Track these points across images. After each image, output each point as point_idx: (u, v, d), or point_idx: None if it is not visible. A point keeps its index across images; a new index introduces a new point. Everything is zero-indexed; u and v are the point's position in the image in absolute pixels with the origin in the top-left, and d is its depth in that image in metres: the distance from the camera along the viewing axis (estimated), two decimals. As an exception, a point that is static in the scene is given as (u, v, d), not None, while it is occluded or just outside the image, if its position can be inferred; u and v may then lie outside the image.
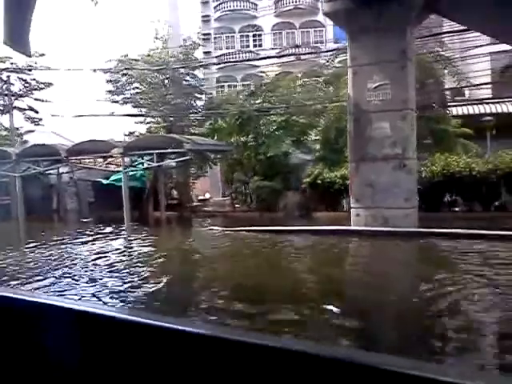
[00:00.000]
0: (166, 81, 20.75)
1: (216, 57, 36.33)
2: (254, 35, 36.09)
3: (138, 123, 22.38)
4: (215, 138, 20.15)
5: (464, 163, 15.48)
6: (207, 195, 24.90)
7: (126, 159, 17.59)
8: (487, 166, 15.30)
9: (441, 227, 13.03)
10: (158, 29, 23.19)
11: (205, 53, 23.96)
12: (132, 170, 18.11)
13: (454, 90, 19.86)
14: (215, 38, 36.33)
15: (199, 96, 22.03)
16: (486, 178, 15.25)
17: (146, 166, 17.61)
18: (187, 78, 21.12)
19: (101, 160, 18.05)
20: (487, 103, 19.93)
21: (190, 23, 26.57)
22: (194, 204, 22.23)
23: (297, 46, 32.73)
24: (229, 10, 36.26)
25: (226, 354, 0.86)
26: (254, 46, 35.80)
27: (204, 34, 24.01)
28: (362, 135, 13.41)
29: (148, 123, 22.21)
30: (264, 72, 24.35)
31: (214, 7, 35.96)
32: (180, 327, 0.92)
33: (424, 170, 15.74)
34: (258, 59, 27.95)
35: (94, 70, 19.85)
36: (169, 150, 16.39)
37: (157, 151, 16.01)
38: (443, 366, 0.71)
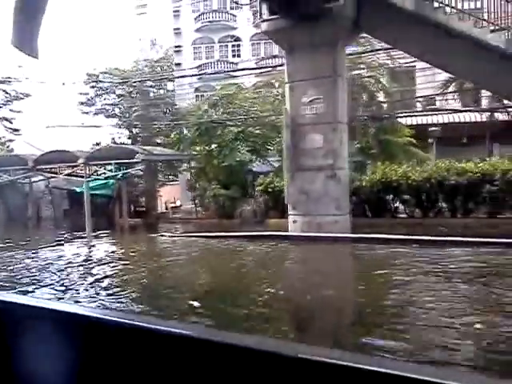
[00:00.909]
0: (134, 93, 21.76)
1: (197, 67, 37.42)
2: (233, 45, 37.13)
3: (110, 133, 23.42)
4: (180, 147, 21.09)
5: (401, 172, 16.36)
6: (178, 202, 25.80)
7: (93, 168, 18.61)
8: (423, 175, 16.20)
9: (379, 233, 14.00)
10: (132, 42, 24.29)
11: (176, 64, 24.91)
12: (95, 179, 19.08)
13: (408, 101, 20.82)
14: (195, 48, 37.42)
15: (165, 107, 22.98)
16: (422, 186, 16.16)
17: (108, 174, 18.59)
18: (154, 89, 22.09)
19: (67, 169, 19.06)
20: (436, 114, 20.83)
21: (162, 36, 27.58)
22: (161, 211, 23.15)
23: (274, 56, 33.75)
24: (208, 21, 37.27)
25: (225, 358, 0.86)
26: (233, 56, 36.81)
27: (176, 47, 24.96)
28: (298, 146, 14.31)
29: (118, 133, 23.28)
30: (241, 82, 25.29)
31: (195, 18, 36.95)
32: (176, 330, 0.93)
33: (365, 179, 16.67)
34: (231, 70, 28.92)
35: (63, 84, 20.89)
36: (124, 160, 17.37)
37: (113, 161, 16.99)
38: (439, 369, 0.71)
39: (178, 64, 24.61)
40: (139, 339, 0.94)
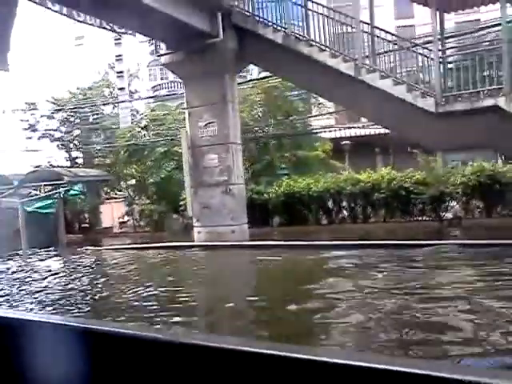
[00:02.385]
0: (72, 118, 23.45)
1: (152, 87, 39.23)
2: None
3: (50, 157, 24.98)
4: (116, 167, 22.76)
5: (304, 184, 18.05)
6: (126, 218, 27.37)
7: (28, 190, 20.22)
8: (323, 186, 17.87)
9: (276, 240, 15.69)
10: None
11: (120, 89, 26.63)
12: (31, 200, 20.68)
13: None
14: (150, 70, 39.29)
15: (107, 130, 24.64)
16: (323, 196, 17.83)
17: (44, 195, 20.21)
18: (90, 114, 23.77)
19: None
20: (347, 128, 22.64)
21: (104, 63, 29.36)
22: (105, 226, 24.71)
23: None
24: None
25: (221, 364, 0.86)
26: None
27: (118, 72, 26.69)
28: (198, 165, 15.96)
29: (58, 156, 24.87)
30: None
31: (148, 40, 38.69)
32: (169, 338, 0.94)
33: (271, 192, 18.34)
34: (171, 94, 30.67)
35: (3, 111, 22.57)
36: (52, 182, 19.01)
37: (42, 183, 18.63)
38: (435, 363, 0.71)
39: (122, 88, 26.36)
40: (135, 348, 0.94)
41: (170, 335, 0.96)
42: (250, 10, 14.79)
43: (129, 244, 18.43)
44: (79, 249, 18.97)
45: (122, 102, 25.55)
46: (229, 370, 0.85)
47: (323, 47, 13.49)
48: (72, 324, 1.06)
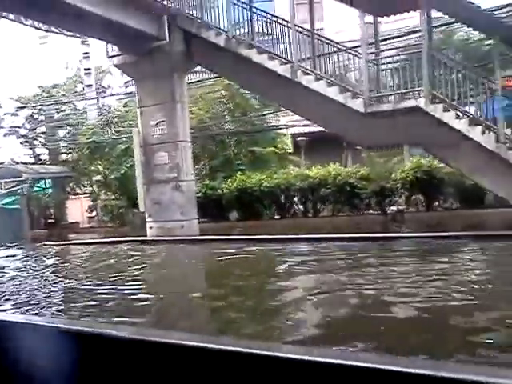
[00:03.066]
0: (37, 115, 23.99)
1: (125, 83, 39.66)
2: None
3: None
4: (81, 164, 23.34)
5: (256, 180, 18.77)
6: (94, 213, 27.95)
7: None
8: (274, 182, 18.61)
9: (229, 234, 16.43)
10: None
11: (87, 86, 27.15)
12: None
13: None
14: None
15: (74, 127, 25.20)
16: (274, 191, 18.57)
17: (3, 191, 20.79)
18: (55, 111, 24.32)
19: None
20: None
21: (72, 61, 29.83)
22: (70, 222, 25.29)
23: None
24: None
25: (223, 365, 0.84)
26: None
27: (85, 69, 27.19)
28: (150, 163, 16.60)
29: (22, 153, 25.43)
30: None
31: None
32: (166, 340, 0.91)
33: (225, 188, 19.04)
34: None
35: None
36: (12, 179, 19.59)
37: (4, 180, 19.24)
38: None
39: (89, 85, 26.88)
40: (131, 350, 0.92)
41: (157, 335, 0.93)
42: (196, 14, 15.42)
43: (90, 239, 19.02)
44: (39, 244, 19.61)
45: (90, 98, 26.10)
46: (218, 371, 0.84)
47: (262, 50, 14.16)
48: (55, 325, 1.04)
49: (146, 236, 16.72)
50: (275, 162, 21.30)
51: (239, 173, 19.42)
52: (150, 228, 16.76)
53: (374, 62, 13.53)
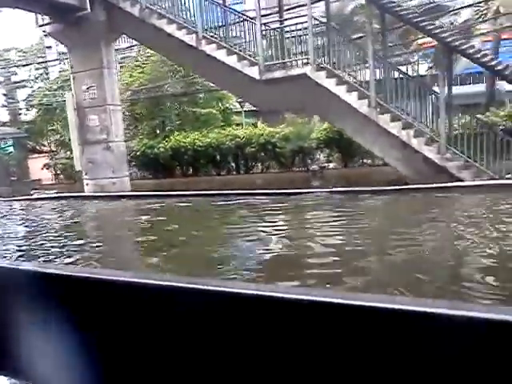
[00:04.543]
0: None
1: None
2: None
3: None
4: (37, 124, 24.75)
5: (190, 139, 20.10)
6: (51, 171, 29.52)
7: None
8: (206, 141, 19.93)
9: (161, 191, 17.93)
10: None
11: (47, 47, 28.09)
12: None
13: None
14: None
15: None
16: (206, 150, 19.93)
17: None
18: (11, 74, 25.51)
19: None
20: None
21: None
22: (32, 179, 26.88)
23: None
24: None
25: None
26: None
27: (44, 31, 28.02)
28: (83, 125, 17.94)
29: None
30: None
31: None
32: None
33: (161, 147, 20.41)
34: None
35: None
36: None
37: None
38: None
39: (49, 47, 27.83)
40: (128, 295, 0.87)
41: (148, 278, 0.85)
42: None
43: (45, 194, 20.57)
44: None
45: (50, 60, 27.17)
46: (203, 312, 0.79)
47: (170, 20, 15.23)
48: (43, 270, 0.96)
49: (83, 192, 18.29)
50: (217, 121, 22.53)
51: (176, 132, 20.72)
52: (87, 185, 18.24)
53: (269, 31, 14.63)
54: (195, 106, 22.03)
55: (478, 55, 11.93)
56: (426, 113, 13.01)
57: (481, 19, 18.32)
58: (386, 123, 12.86)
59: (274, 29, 14.76)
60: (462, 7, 18.77)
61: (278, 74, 13.99)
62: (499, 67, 11.73)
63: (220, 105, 22.88)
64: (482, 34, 18.47)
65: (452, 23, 19.17)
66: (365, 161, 18.71)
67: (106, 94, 17.29)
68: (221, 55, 14.54)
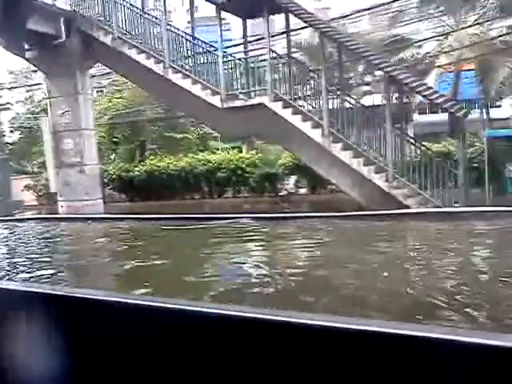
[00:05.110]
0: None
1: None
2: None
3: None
4: (19, 147, 25.51)
5: (164, 164, 20.75)
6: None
7: None
8: (180, 165, 20.57)
9: (137, 214, 18.47)
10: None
11: (33, 71, 29.01)
12: None
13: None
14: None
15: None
16: (179, 174, 20.57)
17: None
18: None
19: None
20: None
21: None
22: (15, 200, 27.45)
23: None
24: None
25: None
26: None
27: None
28: (58, 148, 18.58)
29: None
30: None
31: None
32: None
33: (136, 171, 21.05)
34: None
35: None
36: None
37: None
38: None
39: (35, 70, 28.65)
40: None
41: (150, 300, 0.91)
42: (91, 15, 17.23)
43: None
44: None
45: (33, 84, 27.98)
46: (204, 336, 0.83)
47: (140, 50, 16.02)
48: (48, 292, 1.01)
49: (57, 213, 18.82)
50: (193, 146, 23.23)
51: (152, 157, 21.40)
52: (61, 207, 18.81)
53: (231, 62, 15.40)
54: (172, 131, 22.74)
55: (421, 88, 12.65)
56: (375, 142, 13.65)
57: (439, 53, 19.20)
58: (339, 152, 13.49)
59: (236, 60, 15.50)
60: (423, 40, 19.65)
61: (238, 102, 14.69)
62: (440, 100, 12.43)
63: (198, 130, 23.60)
64: (440, 66, 19.33)
65: (414, 55, 20.07)
66: (334, 187, 19.28)
67: (80, 119, 17.96)
68: (186, 84, 15.26)
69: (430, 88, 13.37)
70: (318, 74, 14.26)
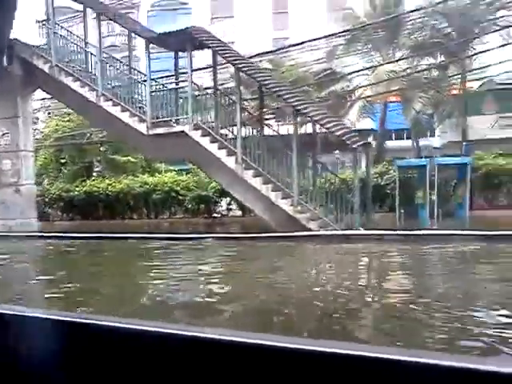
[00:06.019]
0: None
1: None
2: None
3: None
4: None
5: (104, 185, 21.69)
6: None
7: None
8: (118, 187, 21.53)
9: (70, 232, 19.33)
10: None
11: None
12: None
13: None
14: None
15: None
16: (117, 195, 21.52)
17: None
18: None
19: None
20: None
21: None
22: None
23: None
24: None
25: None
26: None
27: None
28: (-2, 168, 19.47)
29: None
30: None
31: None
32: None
33: (76, 191, 21.94)
34: None
35: None
36: None
37: None
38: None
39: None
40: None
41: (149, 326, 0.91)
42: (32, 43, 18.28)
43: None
44: None
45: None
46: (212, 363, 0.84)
47: (75, 78, 17.07)
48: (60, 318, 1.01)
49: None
50: (137, 168, 24.14)
51: (93, 178, 22.33)
52: (-3, 225, 19.58)
53: (158, 92, 16.55)
54: (116, 153, 23.68)
55: (323, 121, 13.93)
56: (283, 170, 14.82)
57: (365, 86, 20.71)
58: (250, 178, 14.61)
59: (164, 90, 16.65)
60: (350, 73, 21.13)
61: (162, 130, 15.76)
62: (340, 132, 13.70)
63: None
64: (366, 97, 20.83)
65: (343, 88, 21.56)
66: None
67: (19, 141, 18.82)
68: (116, 111, 16.32)
69: (335, 121, 14.64)
70: (233, 106, 15.43)
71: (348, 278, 8.46)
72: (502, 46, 17.26)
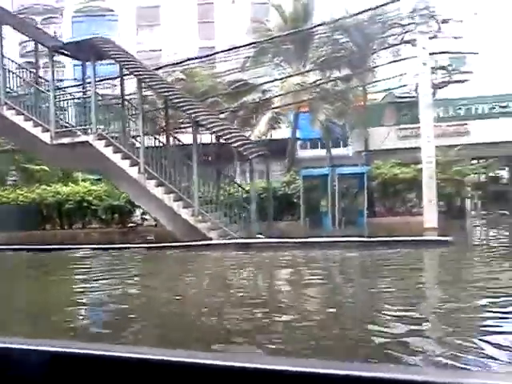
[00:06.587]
0: None
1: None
2: None
3: None
4: None
5: (14, 195, 21.32)
6: None
7: None
8: (31, 197, 21.23)
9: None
10: None
11: None
12: None
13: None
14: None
15: None
16: (29, 205, 21.19)
17: None
18: None
19: None
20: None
21: None
22: None
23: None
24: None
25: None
26: None
27: None
28: None
29: None
30: None
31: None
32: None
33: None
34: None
35: None
36: None
37: None
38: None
39: None
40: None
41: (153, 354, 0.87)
42: None
43: None
44: None
45: None
46: None
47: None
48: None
49: None
50: (52, 177, 23.74)
51: (4, 188, 21.88)
52: None
53: (64, 102, 16.59)
54: (29, 162, 23.25)
55: (221, 132, 14.45)
56: (186, 180, 15.21)
57: (274, 97, 21.51)
58: (153, 188, 14.89)
59: (69, 99, 16.71)
60: (260, 84, 21.88)
61: (66, 140, 15.79)
62: (237, 143, 14.26)
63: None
64: (277, 107, 21.61)
65: (255, 99, 22.26)
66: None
67: None
68: (19, 120, 16.19)
69: (234, 132, 15.20)
70: (137, 116, 15.70)
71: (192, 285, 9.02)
72: (391, 62, 18.48)
